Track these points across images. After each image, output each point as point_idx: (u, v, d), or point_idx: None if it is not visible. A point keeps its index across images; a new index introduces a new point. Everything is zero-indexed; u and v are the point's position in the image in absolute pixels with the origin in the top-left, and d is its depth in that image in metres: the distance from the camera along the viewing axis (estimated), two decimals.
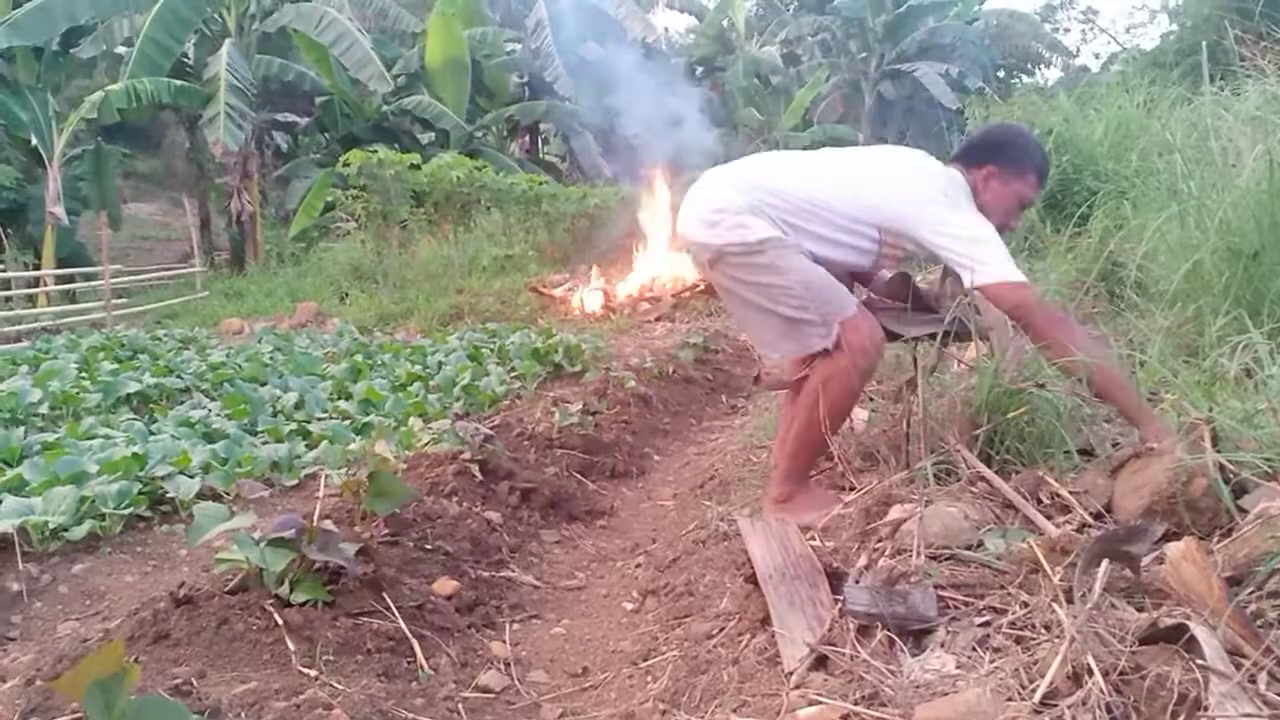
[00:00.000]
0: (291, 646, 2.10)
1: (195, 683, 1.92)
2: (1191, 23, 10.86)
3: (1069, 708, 1.38)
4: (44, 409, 5.75)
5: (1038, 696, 1.41)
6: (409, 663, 2.22)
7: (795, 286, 2.75)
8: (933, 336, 2.80)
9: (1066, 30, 39.84)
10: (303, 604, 2.25)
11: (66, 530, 3.40)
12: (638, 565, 3.20)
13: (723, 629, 2.20)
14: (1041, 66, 34.09)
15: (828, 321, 2.75)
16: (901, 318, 2.86)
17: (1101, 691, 1.38)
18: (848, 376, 2.74)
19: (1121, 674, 1.41)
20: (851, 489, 2.72)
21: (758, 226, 2.77)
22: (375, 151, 13.89)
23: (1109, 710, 1.36)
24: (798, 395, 2.98)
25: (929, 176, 2.87)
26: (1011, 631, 1.66)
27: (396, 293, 12.38)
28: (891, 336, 2.84)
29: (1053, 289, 4.07)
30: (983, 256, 2.65)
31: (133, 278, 17.78)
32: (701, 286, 10.95)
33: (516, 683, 2.34)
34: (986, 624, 1.71)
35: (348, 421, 5.36)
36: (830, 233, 2.81)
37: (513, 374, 6.60)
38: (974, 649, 1.64)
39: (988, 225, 2.75)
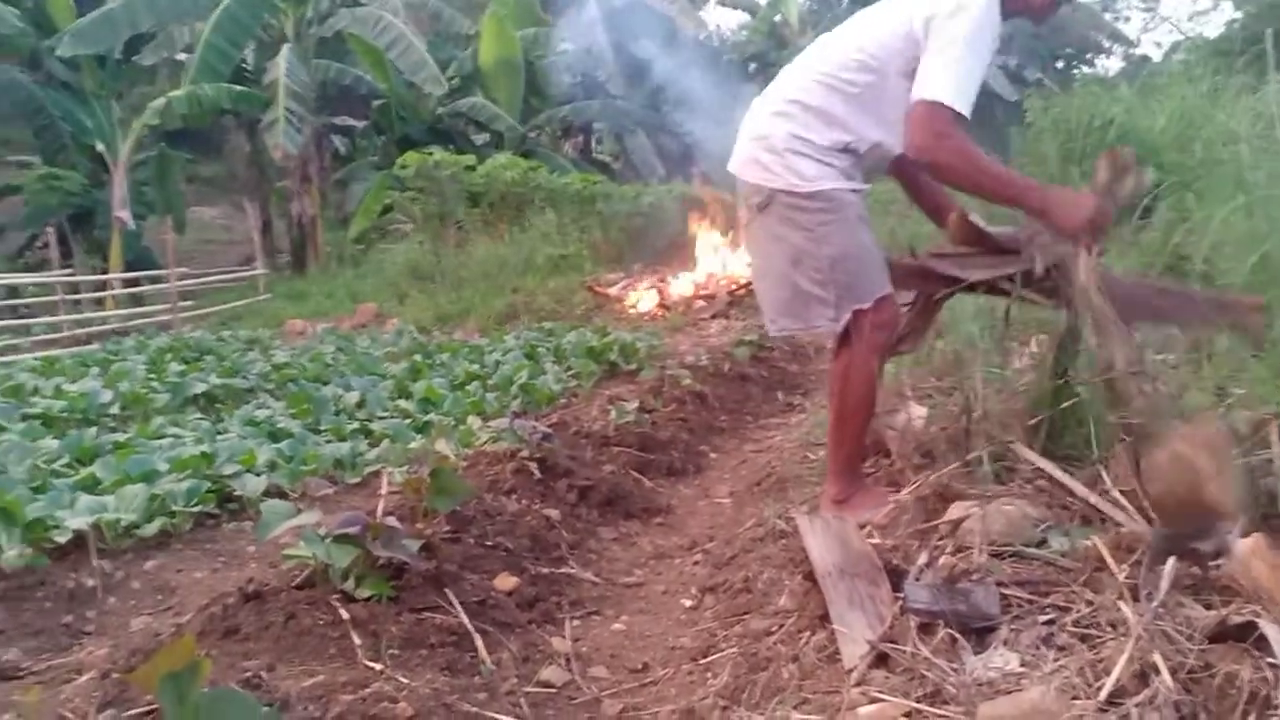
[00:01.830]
0: (357, 641, 2.14)
1: (264, 676, 1.96)
2: (1256, 9, 10.59)
3: (1136, 706, 1.36)
4: (114, 409, 5.91)
5: (1103, 695, 1.40)
6: (471, 657, 2.25)
7: (824, 260, 2.61)
8: (1003, 280, 2.58)
9: (1127, 19, 39.03)
10: (367, 599, 2.29)
11: (138, 527, 3.49)
12: (695, 562, 3.20)
13: (781, 626, 2.20)
14: (1102, 56, 33.43)
15: (841, 305, 2.62)
16: (965, 262, 2.67)
17: (1169, 690, 1.36)
18: (866, 366, 2.67)
19: (1190, 673, 1.40)
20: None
21: (809, 170, 2.60)
22: (431, 153, 14.07)
23: (1177, 709, 1.35)
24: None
25: None
26: (1076, 630, 1.64)
27: (453, 293, 12.50)
28: (951, 282, 2.68)
29: None
30: (946, 73, 2.45)
31: (198, 280, 18.15)
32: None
33: (577, 678, 2.36)
34: (1050, 622, 1.69)
35: (408, 420, 5.44)
36: (866, 96, 2.60)
37: (569, 372, 6.64)
38: (1038, 647, 1.63)
39: (978, 56, 2.51)
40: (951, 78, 2.46)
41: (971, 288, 2.67)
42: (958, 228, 2.70)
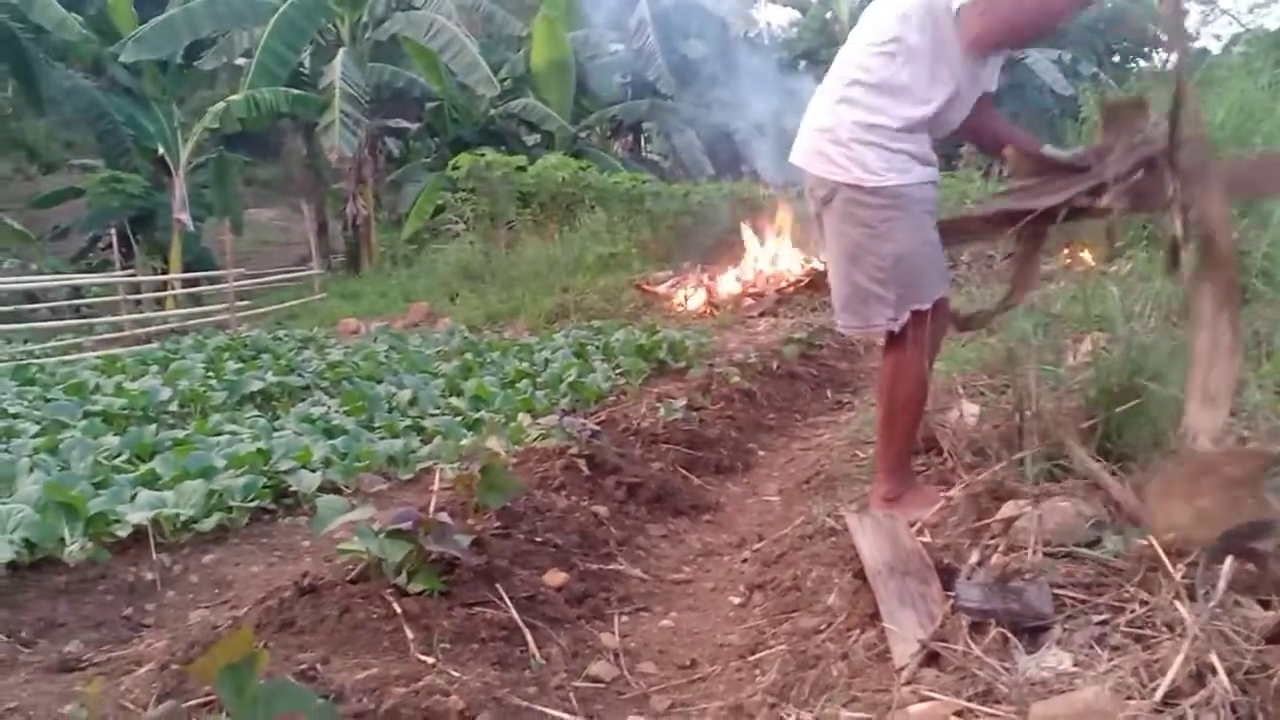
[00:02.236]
0: (410, 634, 2.17)
1: (319, 668, 2.00)
2: None
3: (1192, 707, 1.34)
4: (173, 407, 6.04)
5: (1159, 695, 1.38)
6: (521, 652, 2.27)
7: (887, 258, 2.56)
8: (1083, 198, 2.42)
9: (1186, 12, 38.23)
10: (420, 593, 2.32)
11: (196, 522, 3.57)
12: (744, 560, 3.20)
13: (830, 624, 2.19)
14: (1159, 50, 32.76)
15: (900, 305, 2.57)
16: (1037, 190, 2.54)
17: (1225, 691, 1.34)
18: (917, 364, 2.63)
19: (1247, 673, 1.37)
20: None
21: (875, 163, 2.52)
22: (483, 155, 14.18)
23: (1234, 710, 1.32)
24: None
25: None
26: (1130, 630, 1.62)
27: (504, 292, 12.59)
28: (1016, 218, 2.53)
29: (1173, 279, 3.93)
30: None
31: (254, 280, 18.46)
32: (806, 280, 10.85)
33: (626, 673, 2.37)
34: (1104, 622, 1.67)
35: (459, 417, 5.49)
36: (912, 71, 2.53)
37: (618, 370, 6.66)
38: (1091, 647, 1.61)
39: None
40: None
41: (1052, 218, 2.49)
42: (1017, 158, 2.61)
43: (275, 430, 5.00)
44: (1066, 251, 6.88)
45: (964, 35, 2.43)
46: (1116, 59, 31.09)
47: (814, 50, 30.22)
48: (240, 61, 20.15)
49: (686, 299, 10.99)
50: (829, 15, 30.95)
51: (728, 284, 11.44)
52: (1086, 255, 6.74)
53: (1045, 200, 2.45)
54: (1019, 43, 2.54)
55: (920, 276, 2.59)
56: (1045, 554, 1.96)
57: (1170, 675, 1.40)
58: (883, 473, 2.79)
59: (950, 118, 2.64)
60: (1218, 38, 37.53)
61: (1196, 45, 33.89)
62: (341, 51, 18.50)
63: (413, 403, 5.95)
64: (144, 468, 4.09)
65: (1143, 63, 31.17)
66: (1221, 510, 1.69)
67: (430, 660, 2.08)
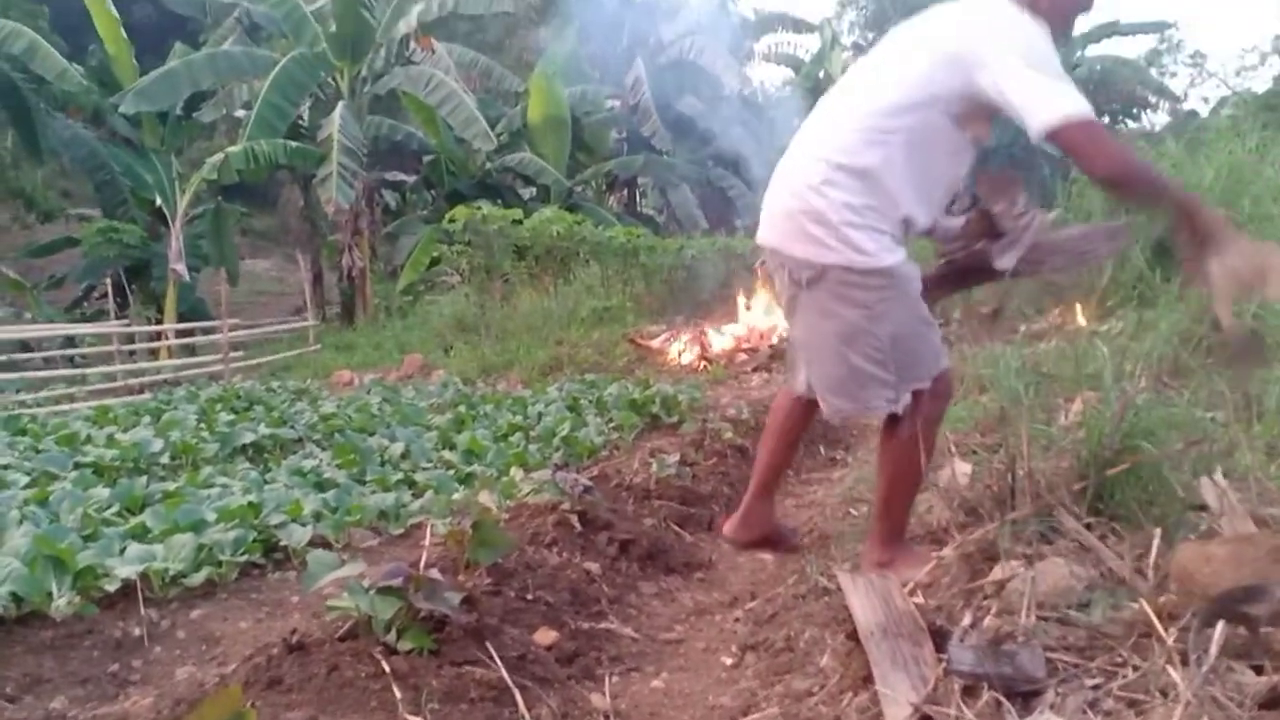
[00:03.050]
0: (398, 694, 2.14)
1: None
2: None
3: None
4: (165, 458, 6.01)
5: None
6: (511, 713, 2.25)
7: (884, 339, 2.52)
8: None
9: (1173, 75, 38.83)
10: (409, 652, 2.30)
11: (185, 576, 3.53)
12: (736, 619, 3.18)
13: (823, 686, 2.18)
14: (1148, 111, 33.25)
15: (901, 386, 2.55)
16: (990, 251, 2.63)
17: None
18: (925, 438, 2.61)
19: None
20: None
21: (867, 245, 2.46)
22: (479, 207, 14.30)
23: None
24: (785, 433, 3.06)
25: (970, 11, 2.48)
26: (1124, 694, 1.61)
27: (498, 344, 12.62)
28: (984, 279, 2.67)
29: (1164, 339, 3.96)
30: (1054, 87, 2.30)
31: (249, 331, 18.47)
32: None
33: None
34: (1097, 687, 1.66)
35: (452, 471, 5.47)
36: (913, 140, 2.47)
37: (611, 425, 6.65)
38: (1084, 712, 1.60)
39: (1043, 47, 2.37)
40: (1067, 87, 2.32)
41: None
42: (971, 224, 2.75)
43: (266, 483, 4.98)
44: (1058, 311, 6.93)
45: (1092, 157, 2.34)
46: (1106, 119, 31.50)
47: (807, 108, 30.60)
48: (239, 114, 20.38)
49: (680, 353, 11.01)
50: (821, 74, 31.40)
51: (721, 338, 11.48)
52: (1078, 313, 6.79)
53: (1006, 260, 2.64)
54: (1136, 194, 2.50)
55: (919, 355, 2.57)
56: (1038, 616, 1.96)
57: None
58: (878, 540, 2.77)
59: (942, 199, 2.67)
60: (1205, 100, 38.07)
61: (1185, 107, 34.47)
62: (340, 105, 18.70)
63: (405, 456, 5.93)
64: (134, 520, 4.06)
65: (1132, 123, 31.61)
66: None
67: None
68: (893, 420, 2.63)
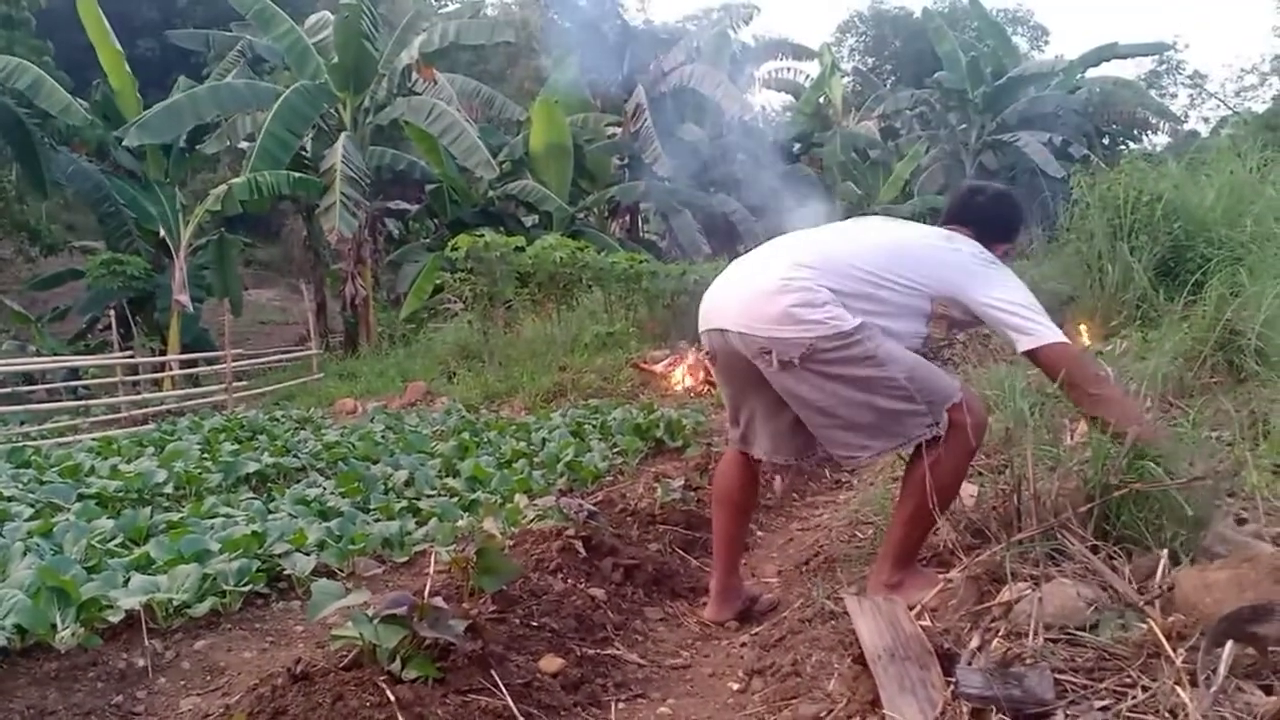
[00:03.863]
0: None
1: None
2: None
3: None
4: (169, 489, 6.00)
5: None
6: None
7: (899, 376, 2.71)
8: None
9: (1174, 96, 39.07)
10: (414, 680, 2.29)
11: (189, 607, 3.52)
12: (743, 644, 3.16)
13: (831, 711, 2.16)
14: (1148, 132, 33.40)
15: (934, 410, 2.73)
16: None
17: None
18: (959, 459, 2.76)
19: None
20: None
21: (845, 314, 2.70)
22: (482, 235, 14.31)
23: None
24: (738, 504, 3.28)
25: (968, 244, 2.93)
26: (1133, 715, 1.60)
27: (502, 371, 12.61)
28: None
29: (1168, 359, 3.96)
30: (1034, 321, 2.71)
31: (252, 361, 18.50)
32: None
33: None
34: (1106, 708, 1.65)
35: (456, 498, 5.46)
36: (897, 303, 2.80)
37: (615, 450, 6.64)
38: None
39: (1027, 291, 2.83)
40: (1044, 318, 2.75)
41: None
42: None
43: (270, 512, 4.97)
44: (1062, 331, 6.92)
45: (1078, 378, 2.70)
46: (1106, 141, 31.64)
47: (807, 134, 30.79)
48: (243, 145, 20.47)
49: (684, 378, 11.01)
50: (822, 99, 31.61)
51: None
52: (1083, 334, 6.79)
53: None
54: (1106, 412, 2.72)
55: (935, 379, 2.79)
56: (1046, 638, 1.94)
57: None
58: (893, 562, 2.84)
59: None
60: (1206, 120, 38.22)
61: (1185, 128, 34.61)
62: (343, 135, 18.80)
63: (409, 484, 5.92)
64: (138, 551, 4.04)
65: (1132, 145, 31.72)
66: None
67: None
68: (917, 450, 2.78)
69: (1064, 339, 2.74)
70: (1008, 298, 2.77)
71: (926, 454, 2.73)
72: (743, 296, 2.87)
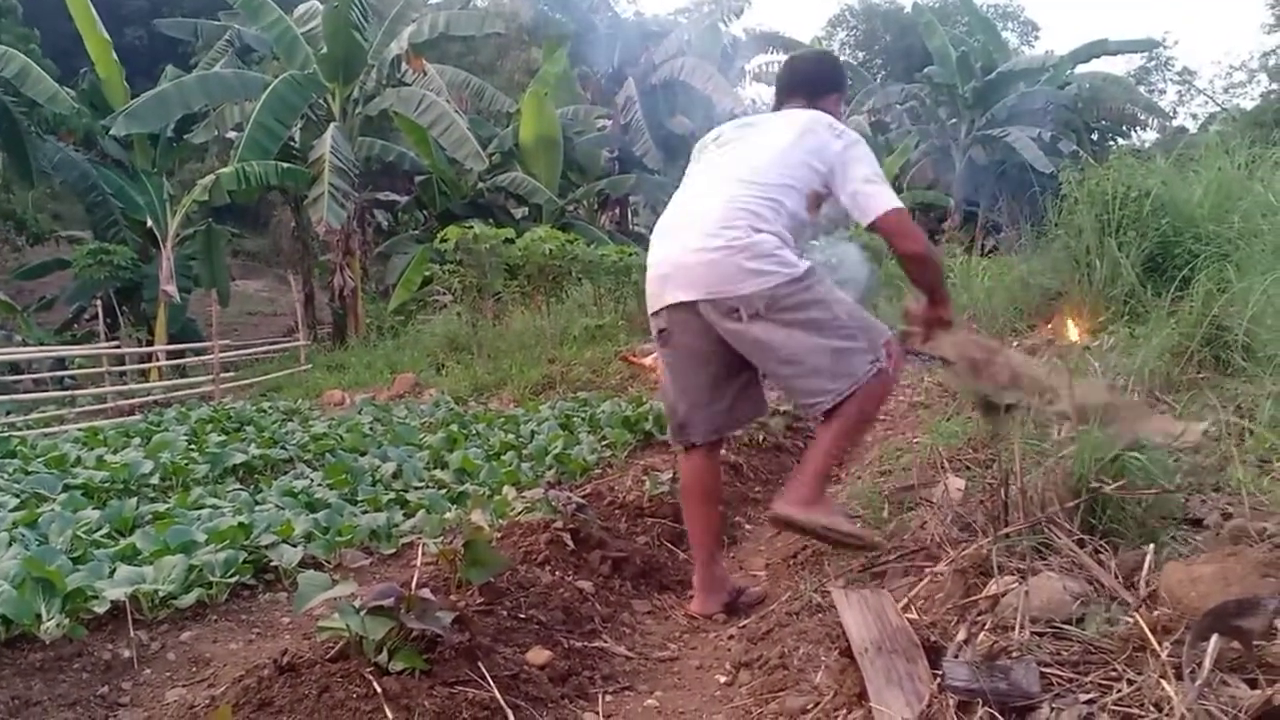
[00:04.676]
0: (390, 715, 2.13)
1: None
2: None
3: None
4: (155, 479, 5.98)
5: None
6: None
7: (843, 315, 2.93)
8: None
9: (1162, 92, 39.21)
10: (400, 672, 2.28)
11: (175, 598, 3.51)
12: (730, 637, 3.17)
13: (818, 704, 2.16)
14: (1137, 129, 33.50)
15: (874, 346, 2.93)
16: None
17: None
18: (883, 392, 3.03)
19: None
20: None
21: (791, 255, 2.91)
22: (471, 227, 14.28)
23: None
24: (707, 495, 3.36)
25: (815, 122, 3.11)
26: (1119, 709, 1.60)
27: (490, 363, 12.60)
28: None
29: (1155, 354, 3.97)
30: (879, 188, 2.97)
31: (240, 352, 18.43)
32: None
33: None
34: (1092, 701, 1.66)
35: (444, 491, 5.46)
36: (795, 209, 3.00)
37: (604, 442, 6.64)
38: None
39: (873, 158, 3.06)
40: (889, 189, 3.01)
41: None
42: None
43: (257, 504, 4.96)
44: (1049, 325, 6.95)
45: (904, 238, 3.01)
46: (1095, 136, 31.71)
47: None
48: (231, 135, 20.38)
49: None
50: None
51: None
52: (1070, 328, 6.81)
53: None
54: (926, 276, 3.17)
55: (867, 317, 3.02)
56: (1032, 632, 1.95)
57: None
58: (813, 479, 3.00)
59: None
60: (1194, 116, 38.38)
61: (1174, 124, 34.74)
62: (332, 126, 18.71)
63: (397, 476, 5.91)
64: (124, 542, 4.03)
65: (1121, 140, 31.82)
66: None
67: None
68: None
69: (899, 203, 2.97)
70: (863, 169, 3.00)
71: (863, 390, 2.92)
72: (696, 266, 2.99)
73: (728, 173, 3.11)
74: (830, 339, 2.90)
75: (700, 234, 2.99)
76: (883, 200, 2.95)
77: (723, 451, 5.48)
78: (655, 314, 3.18)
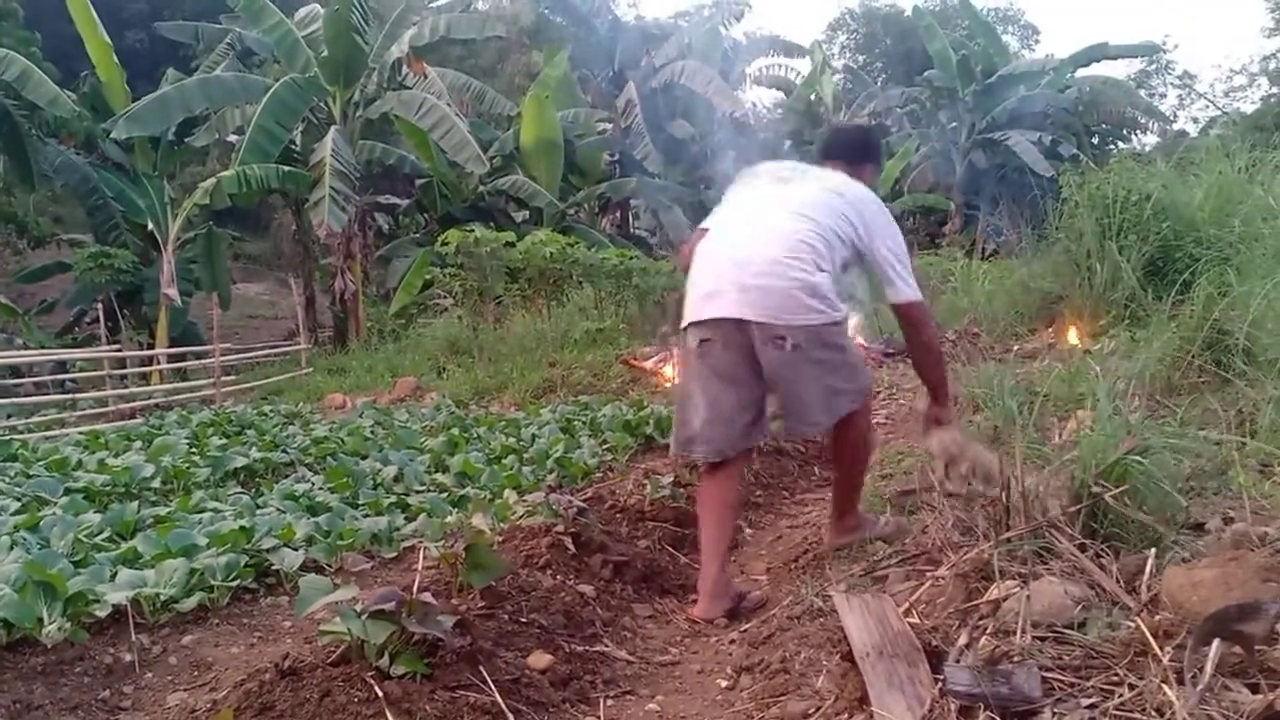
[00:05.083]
0: (390, 719, 2.13)
1: None
2: None
3: None
4: (156, 483, 5.98)
5: None
6: None
7: (851, 358, 3.35)
8: None
9: (1163, 96, 39.18)
10: (402, 676, 2.28)
11: (177, 602, 3.51)
12: (732, 641, 3.17)
13: (819, 708, 2.16)
14: (1138, 132, 33.49)
15: (858, 394, 3.33)
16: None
17: None
18: (870, 428, 3.57)
19: None
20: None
21: (836, 301, 3.21)
22: (472, 230, 14.29)
23: None
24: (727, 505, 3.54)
25: (857, 188, 3.41)
26: (1120, 713, 1.60)
27: (491, 367, 12.60)
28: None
29: (1155, 358, 3.97)
30: (908, 276, 3.33)
31: (241, 355, 18.42)
32: None
33: None
34: (1093, 706, 1.66)
35: (445, 494, 5.46)
36: (841, 258, 3.30)
37: (604, 446, 6.64)
38: None
39: (904, 245, 3.40)
40: (914, 280, 3.36)
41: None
42: None
43: (258, 507, 4.95)
44: (1050, 330, 6.95)
45: (920, 329, 3.42)
46: (1096, 140, 31.71)
47: (799, 130, 30.80)
48: (232, 138, 20.36)
49: (673, 374, 10.99)
50: (813, 96, 31.62)
51: None
52: (1071, 333, 6.81)
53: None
54: (932, 368, 3.55)
55: (860, 365, 3.46)
56: (1034, 636, 1.95)
57: None
58: (849, 510, 3.59)
59: None
60: (1195, 120, 38.35)
61: (1174, 128, 34.73)
62: (333, 129, 18.72)
63: (398, 479, 5.91)
64: (125, 546, 4.03)
65: (1122, 144, 31.81)
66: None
67: None
68: (850, 421, 3.37)
69: (924, 299, 3.40)
70: (896, 248, 3.33)
71: (850, 428, 3.38)
72: (757, 290, 3.18)
73: (789, 205, 3.31)
74: (834, 380, 3.24)
75: (766, 260, 3.19)
76: (911, 291, 3.32)
77: None
78: (700, 324, 3.32)
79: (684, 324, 3.40)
